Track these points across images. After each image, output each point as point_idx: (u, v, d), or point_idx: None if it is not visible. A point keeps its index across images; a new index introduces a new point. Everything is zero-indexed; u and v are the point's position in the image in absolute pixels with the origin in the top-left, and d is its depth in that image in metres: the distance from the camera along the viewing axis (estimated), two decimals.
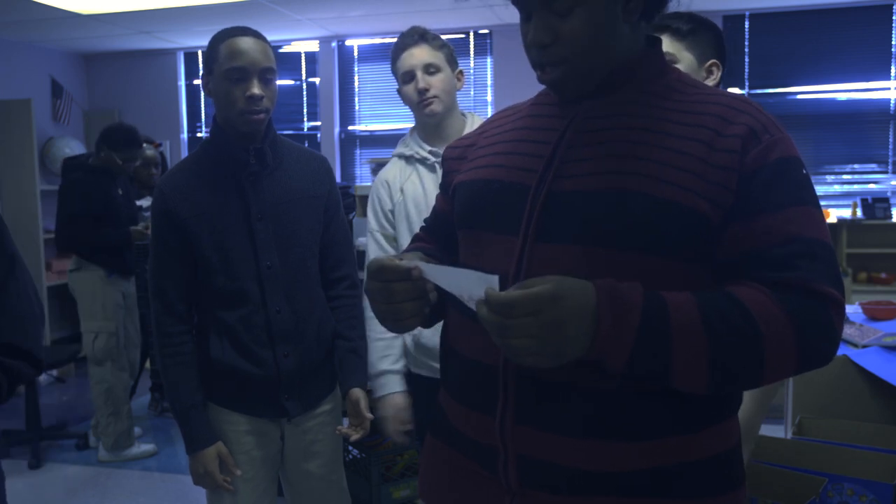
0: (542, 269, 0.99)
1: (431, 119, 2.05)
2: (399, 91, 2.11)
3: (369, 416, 1.88)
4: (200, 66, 7.18)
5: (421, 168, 2.08)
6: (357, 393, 1.89)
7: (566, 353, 0.88)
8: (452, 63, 2.09)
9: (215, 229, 1.75)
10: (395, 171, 2.12)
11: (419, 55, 2.03)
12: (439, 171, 2.04)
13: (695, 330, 0.90)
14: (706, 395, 0.96)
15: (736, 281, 0.97)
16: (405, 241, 2.05)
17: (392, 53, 2.10)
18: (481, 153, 1.18)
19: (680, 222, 0.96)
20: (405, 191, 2.07)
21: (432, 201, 2.02)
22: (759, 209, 0.96)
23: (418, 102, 2.03)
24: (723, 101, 1.04)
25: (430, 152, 2.08)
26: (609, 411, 0.97)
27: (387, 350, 2.04)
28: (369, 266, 1.05)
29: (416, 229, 2.02)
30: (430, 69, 2.03)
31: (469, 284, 0.91)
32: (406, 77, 2.05)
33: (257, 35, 1.76)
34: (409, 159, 2.11)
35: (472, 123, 2.13)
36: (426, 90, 2.01)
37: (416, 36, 2.04)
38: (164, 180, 1.81)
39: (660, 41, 1.13)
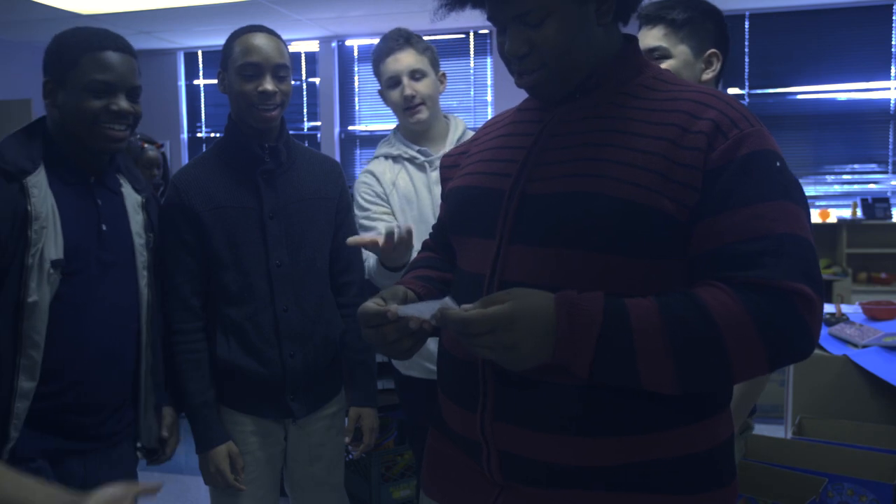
0: (516, 270, 1.03)
1: (418, 126, 2.04)
2: (381, 93, 2.09)
3: (367, 437, 1.93)
4: (200, 65, 7.20)
5: (410, 167, 2.07)
6: (356, 411, 1.91)
7: (524, 365, 0.95)
8: (436, 66, 2.08)
9: (228, 225, 1.75)
10: (382, 167, 2.09)
11: (405, 60, 2.00)
12: (429, 171, 2.04)
13: (655, 338, 0.92)
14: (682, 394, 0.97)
15: (703, 280, 0.97)
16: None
17: (375, 56, 2.08)
18: (471, 160, 1.21)
19: (644, 222, 0.97)
20: (397, 185, 2.04)
21: (423, 200, 2.02)
22: (725, 206, 0.96)
23: (405, 109, 2.02)
24: (692, 96, 1.03)
25: (418, 151, 2.06)
26: (587, 408, 0.99)
27: None
28: (357, 314, 1.09)
29: (407, 222, 1.99)
30: (415, 75, 2.01)
31: (433, 310, 0.99)
32: (391, 82, 2.03)
33: (272, 32, 1.77)
34: (396, 158, 2.09)
35: (456, 127, 2.12)
36: (413, 97, 1.99)
37: (402, 40, 2.02)
38: (179, 176, 1.81)
39: (636, 39, 1.14)
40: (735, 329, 0.91)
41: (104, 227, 1.56)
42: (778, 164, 0.99)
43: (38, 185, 1.46)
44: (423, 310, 1.00)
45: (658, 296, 0.96)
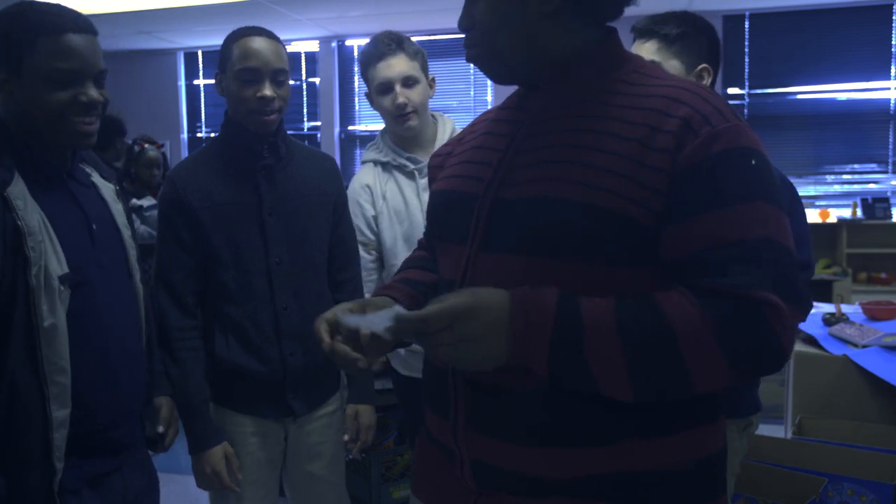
0: (486, 278, 1.00)
1: (409, 133, 2.04)
2: (369, 97, 2.07)
3: (365, 435, 1.91)
4: (200, 65, 7.20)
5: (399, 175, 2.06)
6: (353, 408, 1.90)
7: (487, 364, 0.92)
8: (426, 70, 2.06)
9: (226, 222, 1.74)
10: (371, 176, 2.07)
11: (397, 67, 1.98)
12: (419, 178, 2.04)
13: (608, 331, 0.89)
14: (642, 402, 0.94)
15: (669, 286, 0.93)
16: (398, 247, 2.04)
17: (364, 59, 2.04)
18: (452, 162, 1.19)
19: (611, 229, 0.93)
20: (387, 199, 2.04)
21: (413, 210, 2.02)
22: (694, 210, 0.91)
23: (396, 116, 2.00)
24: (666, 91, 0.97)
25: (407, 159, 2.05)
26: (558, 418, 0.97)
27: None
28: (314, 327, 1.08)
29: (399, 237, 2.02)
30: (408, 82, 1.99)
31: (381, 322, 0.95)
32: (382, 88, 2.00)
33: (271, 35, 1.76)
34: (385, 166, 2.07)
35: (444, 126, 2.12)
36: (405, 105, 1.98)
37: (393, 45, 1.99)
38: (176, 172, 1.80)
39: (615, 31, 1.09)
40: (691, 335, 0.88)
41: (94, 227, 1.44)
42: (754, 161, 0.93)
43: (20, 195, 1.30)
44: (375, 321, 0.96)
45: (617, 297, 0.92)
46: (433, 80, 2.10)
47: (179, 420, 1.75)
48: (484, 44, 1.07)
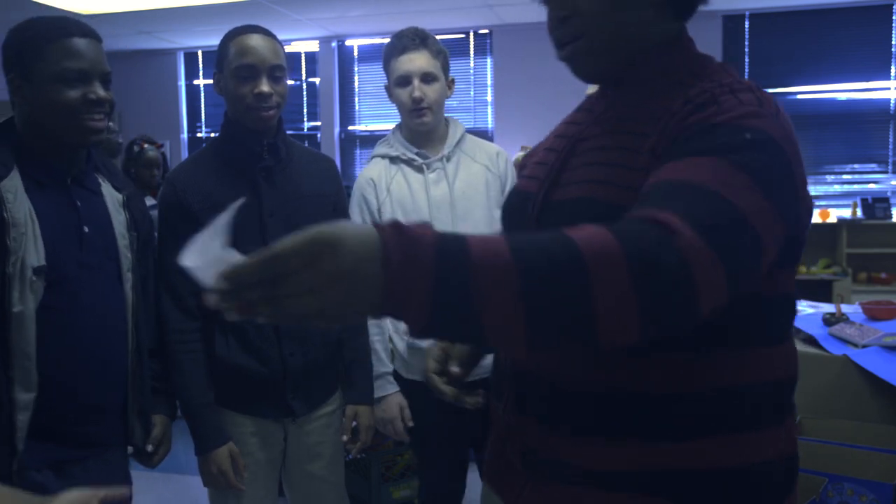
0: None
1: (421, 128, 2.07)
2: (388, 89, 2.11)
3: (364, 436, 1.91)
4: (200, 65, 7.20)
5: (407, 169, 2.08)
6: (353, 409, 1.91)
7: (353, 311, 0.71)
8: (447, 70, 2.09)
9: None
10: (378, 170, 2.10)
11: (419, 62, 2.02)
12: (427, 173, 2.07)
13: (500, 252, 0.73)
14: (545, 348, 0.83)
15: None
16: None
17: (387, 51, 2.08)
18: (530, 162, 1.21)
19: None
20: (391, 191, 2.06)
21: (419, 202, 2.04)
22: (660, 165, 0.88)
23: (411, 110, 2.03)
24: (708, 86, 0.94)
25: (416, 153, 2.08)
26: (605, 412, 0.97)
27: (378, 352, 2.03)
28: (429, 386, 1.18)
29: None
30: (427, 78, 2.02)
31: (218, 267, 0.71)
32: (401, 81, 2.04)
33: (267, 33, 1.77)
34: (393, 159, 2.10)
35: (455, 129, 2.15)
36: (421, 100, 2.01)
37: (418, 40, 2.03)
38: (175, 173, 1.81)
39: (685, 30, 1.07)
40: (597, 245, 0.74)
41: (86, 230, 1.50)
42: (748, 136, 0.85)
43: (12, 189, 1.40)
44: (207, 274, 0.73)
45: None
46: (452, 81, 2.13)
47: (171, 439, 1.77)
48: (590, 33, 1.01)
